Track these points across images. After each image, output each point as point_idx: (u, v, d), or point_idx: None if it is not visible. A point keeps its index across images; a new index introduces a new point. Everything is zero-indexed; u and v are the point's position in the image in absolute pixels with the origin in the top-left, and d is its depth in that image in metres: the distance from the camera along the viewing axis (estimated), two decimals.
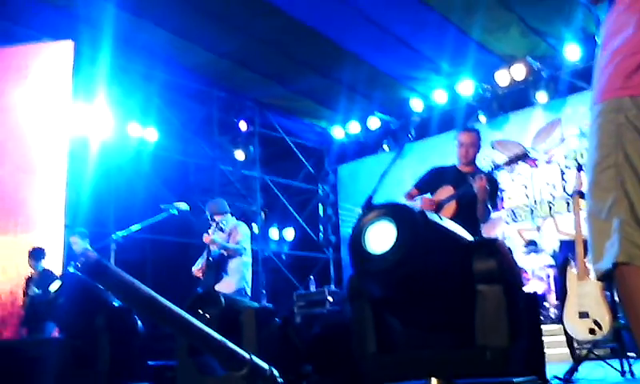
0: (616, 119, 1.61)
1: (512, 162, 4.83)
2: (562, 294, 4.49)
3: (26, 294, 6.18)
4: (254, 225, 9.38)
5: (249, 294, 6.00)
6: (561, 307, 4.52)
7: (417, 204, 4.82)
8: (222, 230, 6.06)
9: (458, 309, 2.45)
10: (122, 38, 7.18)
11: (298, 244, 11.18)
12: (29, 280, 6.25)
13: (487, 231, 4.98)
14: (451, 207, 4.68)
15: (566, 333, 4.34)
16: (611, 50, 1.72)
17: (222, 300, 3.59)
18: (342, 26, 7.78)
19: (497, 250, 2.50)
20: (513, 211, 8.48)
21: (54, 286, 4.30)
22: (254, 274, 6.33)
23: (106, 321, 3.84)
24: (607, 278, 1.61)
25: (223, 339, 2.26)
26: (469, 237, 2.72)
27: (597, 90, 1.73)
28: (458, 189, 4.67)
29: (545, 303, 6.92)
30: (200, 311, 3.36)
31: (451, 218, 4.49)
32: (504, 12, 7.49)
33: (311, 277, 9.41)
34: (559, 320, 4.75)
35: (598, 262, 1.64)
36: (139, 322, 4.18)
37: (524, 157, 4.91)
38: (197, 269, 6.07)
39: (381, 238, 2.24)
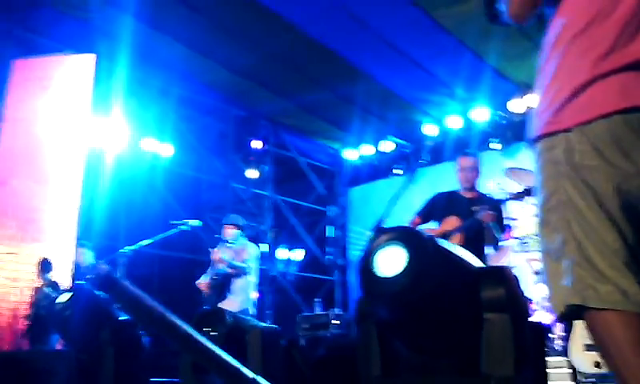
0: (552, 157, 1.58)
1: (524, 194, 4.84)
2: (568, 325, 4.44)
3: (32, 304, 6.14)
4: (261, 245, 9.36)
5: (252, 314, 5.99)
6: (567, 339, 4.47)
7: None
8: (230, 247, 6.09)
9: (464, 336, 2.43)
10: (139, 52, 7.23)
11: (304, 265, 11.12)
12: (36, 291, 6.21)
13: (495, 260, 4.95)
14: (457, 238, 4.69)
15: (571, 365, 4.29)
16: (543, 81, 1.67)
17: (229, 318, 3.59)
18: (357, 46, 7.79)
19: (505, 279, 2.48)
20: (521, 240, 8.37)
21: (63, 298, 4.29)
22: (260, 294, 6.31)
23: (111, 335, 3.83)
24: (565, 318, 1.58)
25: (229, 358, 2.26)
26: (478, 264, 2.72)
27: (533, 124, 1.69)
28: (465, 221, 4.68)
29: (551, 334, 6.75)
30: (206, 328, 3.35)
31: None
32: (522, 40, 7.48)
33: (317, 299, 9.34)
34: (565, 352, 4.70)
35: (553, 303, 1.61)
36: (144, 338, 4.17)
37: None
38: (201, 282, 6.08)
39: (391, 261, 2.23)
